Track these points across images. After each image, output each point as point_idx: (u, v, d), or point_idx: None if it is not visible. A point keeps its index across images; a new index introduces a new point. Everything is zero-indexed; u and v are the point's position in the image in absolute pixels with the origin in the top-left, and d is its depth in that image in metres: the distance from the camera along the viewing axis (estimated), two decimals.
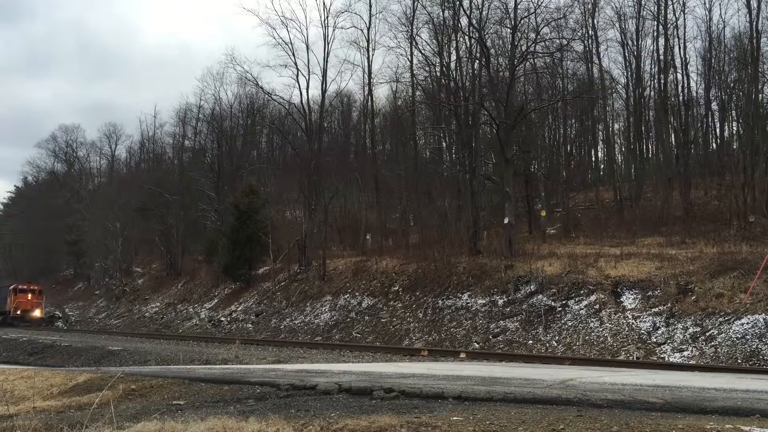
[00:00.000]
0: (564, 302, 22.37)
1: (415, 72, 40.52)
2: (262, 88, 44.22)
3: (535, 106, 37.79)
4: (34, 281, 52.99)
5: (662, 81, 40.26)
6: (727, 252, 22.84)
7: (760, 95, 36.50)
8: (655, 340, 18.52)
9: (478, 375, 9.94)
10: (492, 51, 33.68)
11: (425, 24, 38.45)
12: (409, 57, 39.57)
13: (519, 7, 30.04)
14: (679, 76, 40.49)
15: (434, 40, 38.76)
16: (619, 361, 16.93)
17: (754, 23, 35.72)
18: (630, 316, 20.09)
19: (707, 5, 44.86)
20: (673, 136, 41.27)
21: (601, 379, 9.37)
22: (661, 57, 39.87)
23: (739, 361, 16.01)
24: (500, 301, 24.37)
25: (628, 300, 21.08)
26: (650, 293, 20.82)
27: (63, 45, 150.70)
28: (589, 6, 41.27)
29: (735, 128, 44.58)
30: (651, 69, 42.88)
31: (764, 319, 17.07)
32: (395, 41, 61.03)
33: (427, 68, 40.17)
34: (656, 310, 19.82)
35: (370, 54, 41.61)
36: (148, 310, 46.23)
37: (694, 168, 40.54)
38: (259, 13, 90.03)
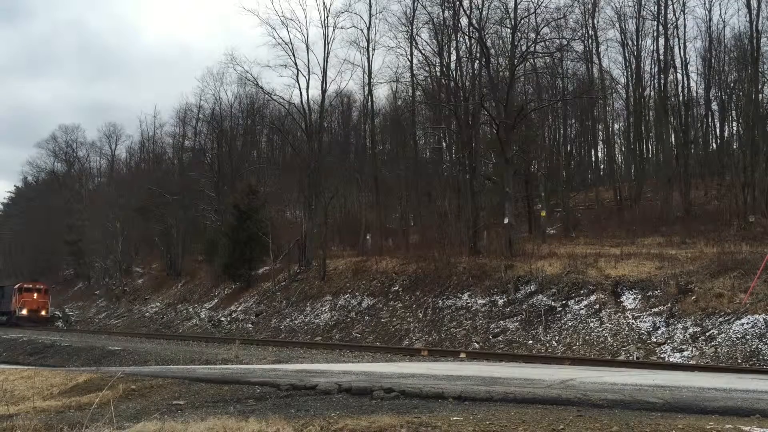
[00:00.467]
0: (564, 302, 22.38)
1: (415, 72, 40.56)
2: (262, 88, 44.24)
3: (535, 106, 37.79)
4: (38, 280, 52.56)
5: (662, 81, 40.30)
6: (727, 252, 22.83)
7: (760, 95, 36.55)
8: (655, 340, 18.52)
9: (478, 375, 9.94)
10: (492, 51, 33.72)
11: (425, 24, 38.49)
12: (409, 57, 39.62)
13: (519, 7, 30.11)
14: (679, 76, 40.60)
15: (434, 40, 38.80)
16: (619, 361, 16.93)
17: (754, 23, 35.79)
18: (630, 316, 20.09)
19: (707, 5, 44.94)
20: (673, 136, 41.29)
21: (601, 379, 9.38)
22: (661, 57, 39.93)
23: (739, 361, 16.01)
24: (500, 301, 24.37)
25: (628, 300, 21.09)
26: (650, 293, 20.82)
27: (63, 45, 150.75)
28: (589, 6, 41.36)
29: (735, 128, 44.64)
30: (651, 69, 42.97)
31: (764, 319, 17.07)
32: (395, 41, 60.95)
33: (427, 68, 40.20)
34: (656, 310, 19.82)
35: (370, 54, 41.64)
36: (148, 310, 46.23)
37: (694, 168, 40.56)
38: (259, 13, 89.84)
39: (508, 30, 31.35)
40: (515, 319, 22.90)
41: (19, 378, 12.15)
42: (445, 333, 24.07)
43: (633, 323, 19.69)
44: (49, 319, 47.39)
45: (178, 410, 6.85)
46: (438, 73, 39.75)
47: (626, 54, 42.51)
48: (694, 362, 16.33)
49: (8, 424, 6.27)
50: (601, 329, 20.09)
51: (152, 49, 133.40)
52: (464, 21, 34.19)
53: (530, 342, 21.10)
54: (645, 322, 19.51)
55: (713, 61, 40.20)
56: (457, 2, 33.57)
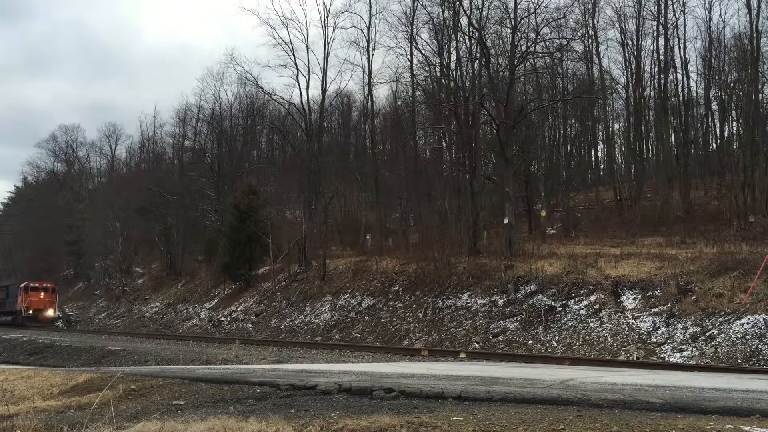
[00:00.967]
0: (564, 302, 22.37)
1: (415, 72, 40.56)
2: (262, 88, 44.27)
3: (535, 106, 37.77)
4: (44, 279, 51.16)
5: (662, 81, 40.29)
6: (727, 252, 22.82)
7: (760, 95, 36.55)
8: (655, 340, 18.52)
9: (478, 375, 9.94)
10: (492, 51, 33.72)
11: (425, 24, 38.51)
12: (409, 57, 39.62)
13: (519, 7, 30.10)
14: (679, 76, 40.58)
15: (434, 40, 38.81)
16: (619, 361, 16.93)
17: (754, 23, 35.79)
18: (630, 316, 20.09)
19: (707, 5, 44.92)
20: (673, 136, 41.28)
21: (601, 379, 9.38)
22: (661, 57, 39.91)
23: (739, 361, 16.01)
24: (500, 301, 24.37)
25: (628, 300, 21.08)
26: (650, 293, 20.82)
27: (63, 45, 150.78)
28: (589, 6, 41.32)
29: (735, 128, 44.61)
30: (651, 69, 42.93)
31: (764, 319, 17.07)
32: (395, 41, 61.07)
33: (427, 68, 40.21)
34: (656, 310, 19.82)
35: (370, 54, 41.66)
36: (148, 310, 46.22)
37: (694, 168, 40.56)
38: (259, 13, 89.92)
39: (508, 30, 31.39)
40: (515, 319, 22.89)
41: (19, 378, 12.15)
42: (445, 333, 24.07)
43: (633, 323, 19.69)
44: (56, 319, 45.98)
45: (178, 410, 6.85)
46: (438, 73, 39.80)
47: (626, 54, 42.53)
48: (694, 362, 16.33)
49: (8, 424, 6.27)
50: (601, 329, 20.09)
51: (152, 49, 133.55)
52: (464, 21, 34.24)
53: (530, 342, 21.10)
54: (645, 322, 19.51)
55: (713, 61, 40.18)
56: (457, 2, 33.60)
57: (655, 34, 40.30)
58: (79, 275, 66.60)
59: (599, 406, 6.24)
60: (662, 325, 18.96)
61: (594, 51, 42.29)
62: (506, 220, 28.84)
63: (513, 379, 9.20)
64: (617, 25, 42.05)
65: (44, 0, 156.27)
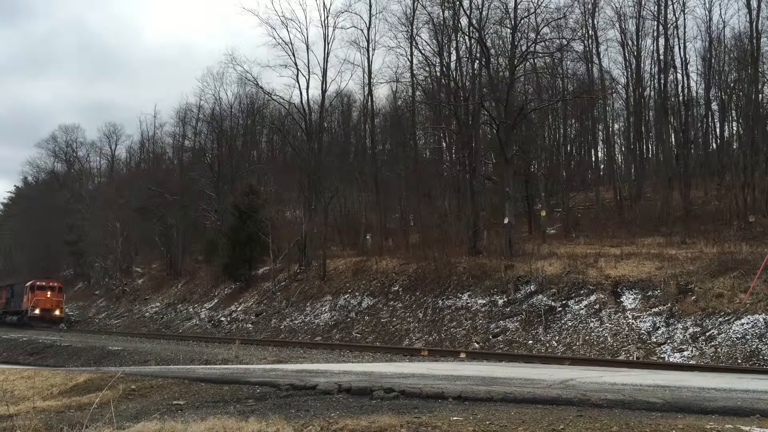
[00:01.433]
0: (564, 302, 22.37)
1: (415, 72, 40.53)
2: (262, 88, 44.26)
3: (535, 106, 37.77)
4: (51, 277, 50.13)
5: (662, 81, 40.27)
6: (727, 252, 22.82)
7: (760, 95, 36.55)
8: (655, 340, 18.52)
9: (478, 375, 9.94)
10: (492, 51, 33.71)
11: (425, 24, 38.46)
12: (409, 57, 39.59)
13: (519, 7, 30.10)
14: (679, 76, 40.56)
15: (434, 40, 38.78)
16: (619, 361, 16.93)
17: (754, 23, 35.78)
18: (630, 316, 20.09)
19: (707, 5, 44.88)
20: (673, 136, 41.27)
21: (601, 379, 9.38)
22: (661, 57, 39.89)
23: (739, 361, 16.01)
24: (500, 301, 24.37)
25: (628, 300, 21.08)
26: (650, 293, 20.81)
27: (63, 45, 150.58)
28: (589, 6, 41.34)
29: (735, 128, 44.64)
30: (651, 69, 42.95)
31: (764, 319, 17.07)
32: (395, 41, 60.80)
33: (427, 68, 40.18)
34: (656, 310, 19.81)
35: (370, 54, 41.59)
36: (148, 310, 46.20)
37: (694, 168, 40.55)
38: (259, 13, 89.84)
39: (508, 30, 31.37)
40: (515, 319, 22.89)
41: (19, 378, 12.16)
42: (445, 333, 24.07)
43: (633, 323, 19.69)
44: (63, 319, 44.76)
45: (178, 410, 6.85)
46: (438, 73, 39.78)
47: (626, 54, 42.53)
48: (694, 362, 16.33)
49: (8, 424, 6.27)
50: (601, 329, 20.09)
51: (152, 49, 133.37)
52: (464, 21, 34.22)
53: (530, 342, 21.10)
54: (645, 322, 19.51)
55: (713, 61, 40.17)
56: (457, 2, 33.59)
57: (655, 34, 40.33)
58: (79, 275, 66.58)
59: (599, 406, 6.24)
60: (662, 325, 18.96)
61: (594, 51, 42.34)
62: (506, 220, 28.84)
63: (513, 379, 9.20)
64: (617, 25, 42.10)
65: (44, 0, 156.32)
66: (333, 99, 48.16)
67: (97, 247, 58.94)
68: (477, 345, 22.10)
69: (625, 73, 43.57)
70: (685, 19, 43.33)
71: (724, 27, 46.75)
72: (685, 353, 17.28)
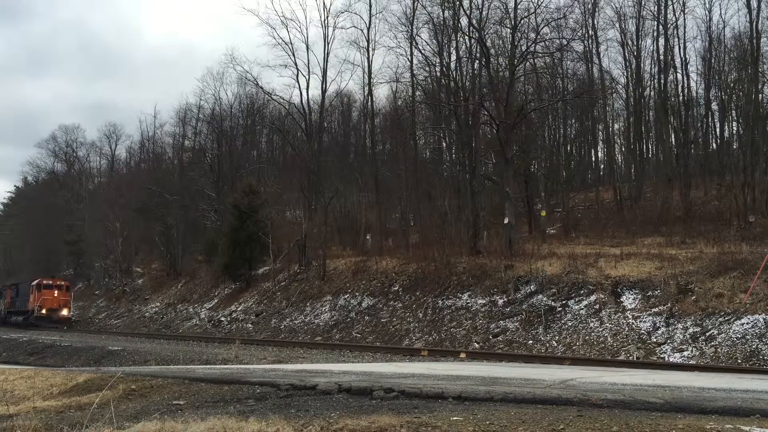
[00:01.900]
0: (564, 302, 22.37)
1: (415, 72, 40.55)
2: (262, 88, 44.41)
3: (535, 106, 37.76)
4: (57, 276, 49.48)
5: (662, 81, 40.29)
6: (727, 252, 22.83)
7: (760, 95, 36.54)
8: (655, 340, 18.52)
9: (478, 375, 9.94)
10: (492, 51, 33.72)
11: (425, 24, 38.49)
12: (409, 57, 39.61)
13: (519, 7, 30.11)
14: (679, 76, 40.60)
15: (434, 40, 38.80)
16: (619, 361, 16.93)
17: (754, 23, 35.80)
18: (630, 316, 20.09)
19: (707, 5, 44.96)
20: (673, 136, 41.29)
21: (601, 379, 9.38)
22: (661, 57, 39.91)
23: (739, 361, 16.01)
24: (500, 301, 24.37)
25: (628, 300, 21.08)
26: (650, 293, 20.81)
27: (63, 44, 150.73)
28: (589, 6, 41.37)
29: (735, 128, 44.65)
30: (651, 69, 42.96)
31: (764, 319, 17.07)
32: (395, 41, 60.94)
33: (427, 68, 40.21)
34: (656, 310, 19.81)
35: (370, 54, 41.64)
36: (148, 310, 46.20)
37: (694, 168, 40.55)
38: (259, 13, 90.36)
39: (508, 30, 31.39)
40: (515, 319, 22.89)
41: (19, 378, 12.16)
42: (445, 333, 24.07)
43: (633, 323, 19.69)
44: (71, 319, 43.85)
45: (178, 410, 6.85)
46: (438, 73, 39.80)
47: (626, 54, 42.55)
48: (694, 362, 16.33)
49: (8, 424, 6.27)
50: (601, 329, 20.09)
51: (153, 49, 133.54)
52: (464, 21, 34.26)
53: (530, 342, 21.10)
54: (645, 322, 19.50)
55: (713, 61, 40.20)
56: (457, 2, 33.61)
57: (655, 34, 40.36)
58: (79, 275, 66.59)
59: (599, 406, 6.24)
60: (662, 325, 18.95)
61: (594, 51, 42.35)
62: (506, 220, 28.84)
63: (513, 379, 9.20)
64: (617, 25, 42.14)
65: (44, 0, 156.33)
66: (333, 99, 48.30)
67: (97, 247, 58.97)
68: (477, 345, 22.10)
69: (625, 73, 43.65)
70: (685, 19, 43.38)
71: (724, 27, 46.82)
72: (685, 353, 17.28)
